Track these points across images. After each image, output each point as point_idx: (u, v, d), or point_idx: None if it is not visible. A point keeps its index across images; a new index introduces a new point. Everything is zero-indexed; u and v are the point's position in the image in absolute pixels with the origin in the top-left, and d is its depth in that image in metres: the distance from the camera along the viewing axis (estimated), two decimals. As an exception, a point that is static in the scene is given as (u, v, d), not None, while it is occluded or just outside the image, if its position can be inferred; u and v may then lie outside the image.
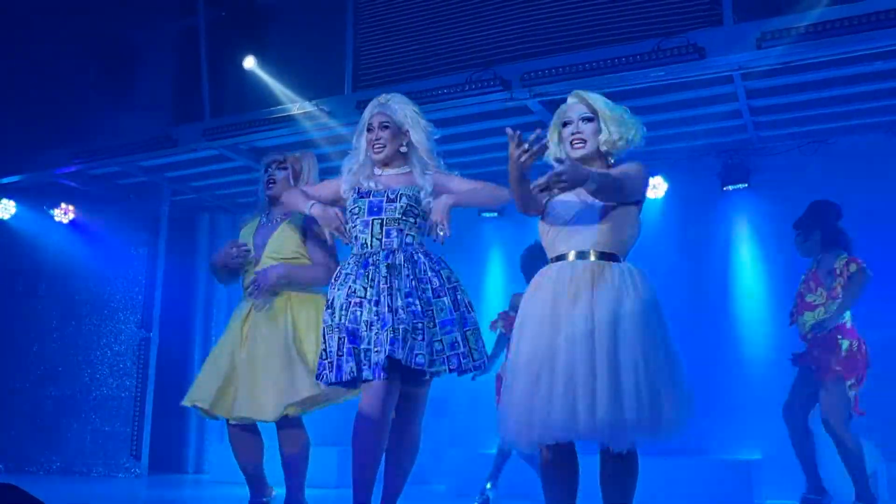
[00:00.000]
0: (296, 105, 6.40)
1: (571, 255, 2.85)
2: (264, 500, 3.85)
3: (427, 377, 3.17)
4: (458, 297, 3.24)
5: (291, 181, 4.02)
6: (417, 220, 3.33)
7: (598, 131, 2.95)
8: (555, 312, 2.70)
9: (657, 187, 6.83)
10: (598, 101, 3.02)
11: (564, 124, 3.06)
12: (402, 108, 3.46)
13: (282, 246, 3.88)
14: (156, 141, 7.10)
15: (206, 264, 8.46)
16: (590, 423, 2.50)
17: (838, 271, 4.90)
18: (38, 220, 8.18)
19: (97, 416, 7.72)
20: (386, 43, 6.57)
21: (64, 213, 8.03)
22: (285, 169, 4.07)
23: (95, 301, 7.96)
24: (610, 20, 5.66)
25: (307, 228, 3.93)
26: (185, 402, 3.85)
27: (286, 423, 3.77)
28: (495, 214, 7.34)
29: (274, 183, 4.03)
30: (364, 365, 3.05)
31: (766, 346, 6.35)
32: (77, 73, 7.75)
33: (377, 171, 3.45)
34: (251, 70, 6.36)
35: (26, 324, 8.13)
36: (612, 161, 3.03)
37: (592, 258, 2.82)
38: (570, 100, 3.10)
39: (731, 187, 6.59)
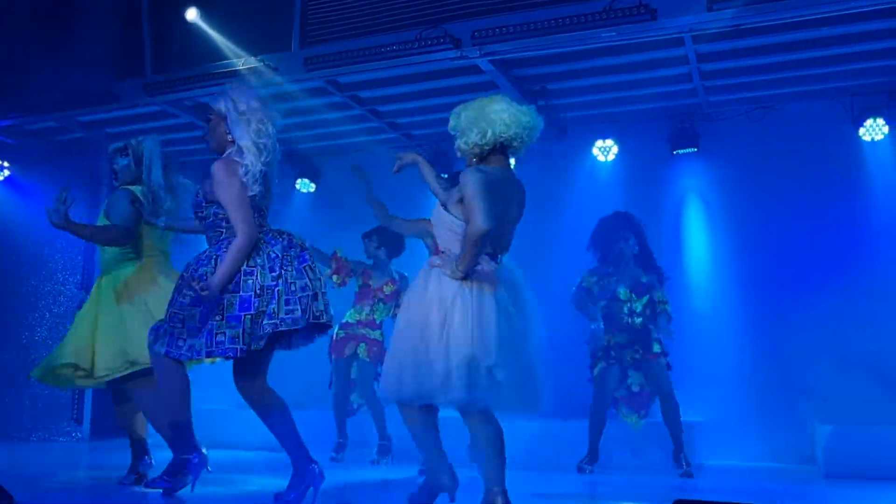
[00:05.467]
0: (241, 60, 6.21)
1: None
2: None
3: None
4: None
5: (133, 167, 4.33)
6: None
7: None
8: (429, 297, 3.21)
9: (607, 151, 6.83)
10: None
11: None
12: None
13: None
14: (95, 96, 6.84)
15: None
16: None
17: None
18: (-28, 178, 7.88)
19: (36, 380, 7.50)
20: (335, -2, 6.40)
21: (-1, 170, 7.74)
22: (127, 156, 4.33)
23: (33, 262, 7.69)
24: (562, -22, 5.58)
25: None
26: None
27: None
28: (445, 176, 7.25)
29: (115, 173, 4.38)
30: None
31: (712, 310, 6.44)
32: (12, 24, 7.41)
33: None
34: (194, 23, 6.14)
35: (-39, 285, 7.86)
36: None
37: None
38: None
39: (680, 151, 6.61)
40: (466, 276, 3.15)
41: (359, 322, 6.01)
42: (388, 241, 6.00)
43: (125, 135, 7.57)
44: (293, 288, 3.28)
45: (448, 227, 3.31)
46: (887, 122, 6.14)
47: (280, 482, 4.56)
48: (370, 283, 6.02)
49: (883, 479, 4.96)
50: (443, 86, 6.37)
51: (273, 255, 3.30)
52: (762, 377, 6.27)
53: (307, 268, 3.35)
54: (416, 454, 5.13)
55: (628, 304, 5.45)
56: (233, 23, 6.29)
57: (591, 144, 6.88)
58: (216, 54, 6.28)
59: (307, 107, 6.71)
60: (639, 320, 5.41)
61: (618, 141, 6.81)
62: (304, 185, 7.87)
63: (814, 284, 6.23)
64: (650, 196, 6.68)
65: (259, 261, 3.29)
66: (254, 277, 3.26)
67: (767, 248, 6.38)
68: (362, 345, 5.96)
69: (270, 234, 3.39)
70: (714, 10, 5.03)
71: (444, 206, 3.34)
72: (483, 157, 3.38)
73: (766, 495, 4.49)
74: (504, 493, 3.18)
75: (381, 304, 6.01)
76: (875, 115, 6.16)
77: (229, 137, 3.45)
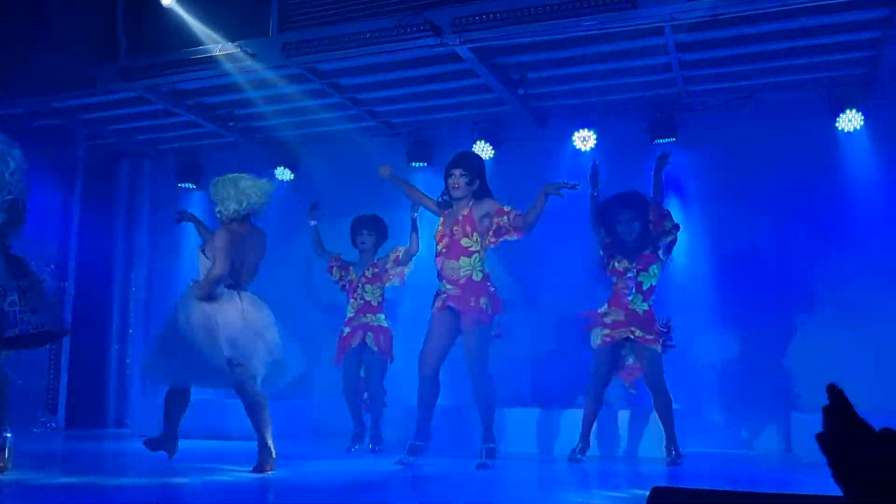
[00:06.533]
0: (218, 46, 6.13)
1: None
2: None
3: None
4: None
5: None
6: None
7: None
8: None
9: (586, 140, 6.83)
10: None
11: None
12: None
13: None
14: (70, 80, 6.73)
15: (126, 210, 8.22)
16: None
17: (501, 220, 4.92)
18: (-58, 164, 7.71)
19: (9, 368, 7.36)
20: (313, -17, 6.33)
21: (-30, 157, 7.59)
22: None
23: (7, 249, 7.58)
24: (543, -34, 5.55)
25: None
26: None
27: None
28: (424, 164, 7.25)
29: None
30: None
31: (689, 298, 6.47)
32: (-18, 7, 7.26)
33: None
34: (170, 7, 6.05)
35: (-68, 273, 7.71)
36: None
37: None
38: None
39: (659, 141, 6.62)
40: (206, 298, 4.41)
41: (358, 311, 6.05)
42: (380, 231, 6.19)
43: (101, 121, 7.51)
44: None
45: (204, 265, 4.52)
46: (863, 113, 6.19)
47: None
48: (351, 277, 6.13)
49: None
50: (423, 74, 6.34)
51: None
52: (740, 365, 6.33)
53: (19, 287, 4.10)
54: (398, 448, 5.15)
55: (633, 279, 5.35)
56: (210, 7, 6.20)
57: (571, 133, 6.88)
58: (193, 40, 6.19)
59: (286, 94, 6.64)
60: (644, 306, 5.36)
61: (597, 130, 6.81)
62: (283, 174, 7.80)
63: (791, 272, 6.29)
64: (629, 185, 6.67)
65: None
66: None
67: (745, 237, 6.43)
68: (370, 334, 6.00)
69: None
70: (694, 0, 5.03)
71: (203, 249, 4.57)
72: (238, 220, 4.55)
73: (744, 482, 4.53)
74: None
75: (367, 286, 6.08)
76: (851, 106, 6.21)
77: None
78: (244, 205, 4.52)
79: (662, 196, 5.63)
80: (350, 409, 6.08)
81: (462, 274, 4.94)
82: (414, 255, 6.00)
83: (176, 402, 4.75)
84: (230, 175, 4.65)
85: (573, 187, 4.83)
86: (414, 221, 5.91)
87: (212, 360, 4.29)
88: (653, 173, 5.63)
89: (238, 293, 4.52)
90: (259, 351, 4.43)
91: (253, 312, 4.52)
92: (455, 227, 4.97)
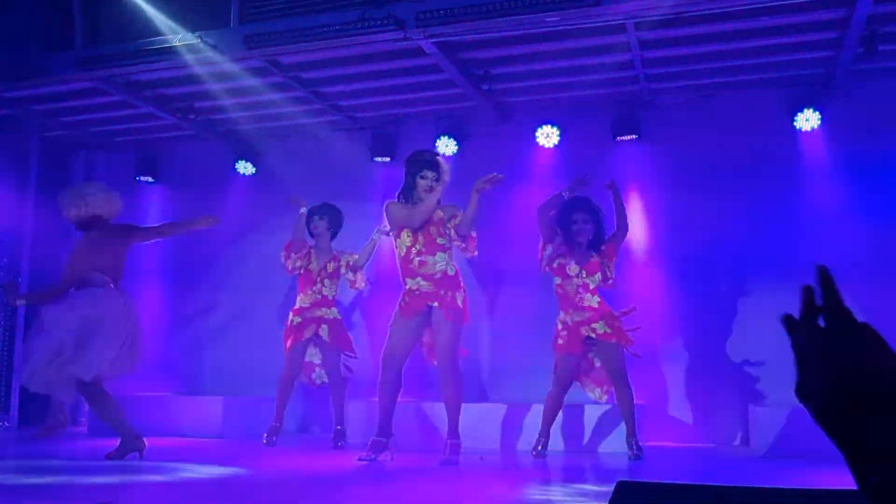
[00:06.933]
0: (178, 37, 6.01)
1: None
2: None
3: None
4: None
5: None
6: None
7: None
8: None
9: (549, 136, 6.85)
10: None
11: None
12: None
13: None
14: (24, 69, 6.54)
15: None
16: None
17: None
18: None
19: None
20: (276, -26, 6.23)
21: (-82, 148, 7.37)
22: None
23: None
24: (507, -38, 5.54)
25: None
26: None
27: None
28: (388, 159, 7.21)
29: None
30: None
31: (651, 295, 6.53)
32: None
33: None
34: (128, -4, 5.92)
35: None
36: None
37: None
38: None
39: (621, 138, 6.66)
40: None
41: (313, 304, 6.04)
42: (335, 219, 6.19)
43: (56, 112, 7.33)
44: None
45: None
46: (820, 112, 6.29)
47: (219, 469, 4.49)
48: (311, 267, 6.07)
49: (818, 458, 5.08)
50: (387, 68, 6.30)
51: None
52: (700, 360, 6.40)
53: None
54: (361, 445, 5.11)
55: (580, 280, 5.43)
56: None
57: (535, 129, 6.89)
58: (151, 30, 6.06)
59: (247, 87, 6.55)
60: (595, 298, 5.43)
61: (560, 126, 6.83)
62: (245, 168, 7.71)
63: (750, 268, 6.37)
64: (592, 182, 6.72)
65: None
66: None
67: (706, 233, 6.49)
68: (324, 327, 6.00)
69: None
70: (657, -3, 5.06)
71: None
72: (83, 223, 5.09)
73: (706, 475, 4.58)
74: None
75: (326, 281, 6.11)
76: (809, 105, 6.31)
77: None
78: (84, 211, 5.03)
79: (625, 221, 5.69)
80: (278, 399, 5.99)
81: (438, 269, 5.01)
82: (361, 267, 6.12)
83: (102, 405, 4.84)
84: (80, 184, 5.25)
85: (499, 178, 4.86)
86: (375, 242, 6.07)
87: (49, 359, 4.68)
88: (613, 203, 5.67)
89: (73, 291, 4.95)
90: (89, 344, 4.70)
91: (90, 309, 4.82)
92: (432, 228, 5.03)
